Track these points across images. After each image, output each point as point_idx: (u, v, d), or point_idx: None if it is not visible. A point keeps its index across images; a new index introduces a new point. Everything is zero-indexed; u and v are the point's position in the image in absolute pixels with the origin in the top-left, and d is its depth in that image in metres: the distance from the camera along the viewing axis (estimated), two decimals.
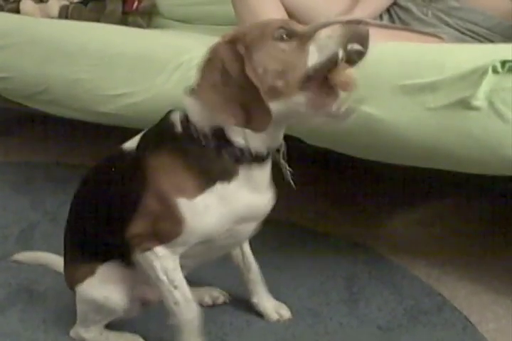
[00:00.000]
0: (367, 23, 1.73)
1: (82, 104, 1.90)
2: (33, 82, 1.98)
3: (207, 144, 1.11)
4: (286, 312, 1.43)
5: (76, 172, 2.25)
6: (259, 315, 1.43)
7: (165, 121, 1.17)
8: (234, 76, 1.04)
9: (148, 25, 2.75)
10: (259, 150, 1.12)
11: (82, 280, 1.28)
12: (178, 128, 1.14)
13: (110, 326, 1.36)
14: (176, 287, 1.19)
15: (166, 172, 1.13)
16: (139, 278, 1.30)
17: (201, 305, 1.46)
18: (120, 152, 1.23)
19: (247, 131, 1.08)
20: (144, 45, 1.86)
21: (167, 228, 1.13)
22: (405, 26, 1.83)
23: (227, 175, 1.12)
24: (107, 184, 1.24)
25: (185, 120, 1.13)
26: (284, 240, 1.65)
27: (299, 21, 1.86)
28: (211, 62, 1.08)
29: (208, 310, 1.45)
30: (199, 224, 1.12)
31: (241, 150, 1.11)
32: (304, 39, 1.05)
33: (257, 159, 1.13)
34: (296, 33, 1.06)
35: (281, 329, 1.39)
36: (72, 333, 1.37)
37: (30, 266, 1.66)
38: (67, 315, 1.38)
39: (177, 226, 1.12)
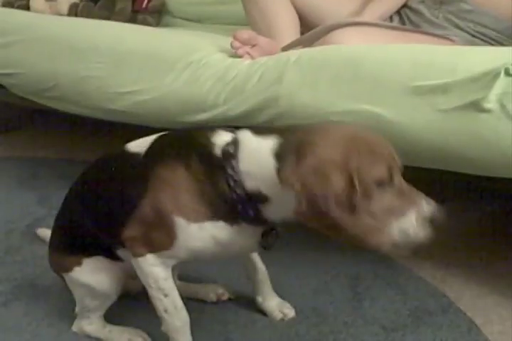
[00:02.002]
0: (376, 25, 1.76)
1: (91, 101, 1.91)
2: (42, 78, 1.99)
3: (234, 186, 1.07)
4: (290, 311, 1.43)
5: (81, 168, 2.25)
6: (264, 313, 1.43)
7: (202, 137, 1.13)
8: (346, 203, 0.98)
9: (158, 24, 2.76)
10: (276, 221, 1.11)
11: (70, 269, 1.30)
12: (218, 153, 1.09)
13: (113, 321, 1.37)
14: (166, 295, 1.19)
15: (174, 187, 1.10)
16: (125, 272, 1.32)
17: (206, 301, 1.47)
18: (125, 152, 1.22)
19: (283, 210, 1.05)
20: (154, 44, 1.86)
21: (159, 239, 1.13)
22: (416, 28, 1.83)
23: (232, 220, 1.10)
24: (107, 182, 1.23)
25: (232, 153, 1.08)
26: (289, 239, 1.64)
27: (310, 22, 1.90)
28: (322, 187, 0.98)
29: (212, 307, 1.46)
30: (188, 246, 1.12)
31: (259, 219, 1.09)
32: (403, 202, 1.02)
33: (267, 225, 1.13)
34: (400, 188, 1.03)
35: (285, 327, 1.39)
36: (74, 327, 1.38)
37: (35, 260, 1.66)
38: (71, 310, 1.37)
39: (168, 239, 1.11)
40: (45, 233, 1.70)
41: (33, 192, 2.13)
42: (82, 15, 2.62)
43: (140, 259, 1.16)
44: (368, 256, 1.65)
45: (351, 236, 1.01)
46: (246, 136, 1.10)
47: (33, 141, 2.65)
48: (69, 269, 1.30)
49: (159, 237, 1.13)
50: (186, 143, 1.14)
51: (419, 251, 1.62)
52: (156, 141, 1.19)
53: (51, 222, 1.87)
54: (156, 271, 1.17)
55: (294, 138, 1.05)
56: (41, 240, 1.71)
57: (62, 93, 1.97)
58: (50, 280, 1.55)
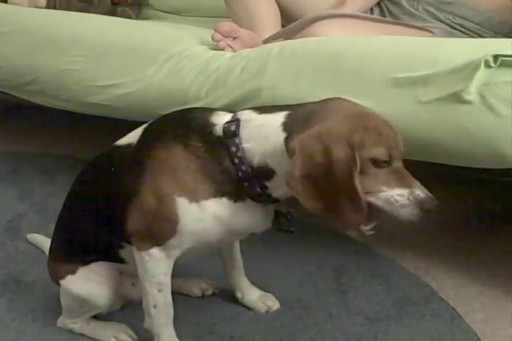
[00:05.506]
0: (357, 17, 1.76)
1: (71, 95, 1.89)
2: (22, 72, 1.97)
3: (239, 164, 1.07)
4: (273, 303, 1.43)
5: (63, 163, 2.26)
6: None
7: (199, 119, 1.12)
8: (339, 177, 0.99)
9: (138, 17, 2.74)
10: (280, 197, 1.11)
11: (63, 276, 1.29)
12: (218, 132, 1.09)
13: (96, 315, 1.36)
14: (160, 290, 1.19)
15: (172, 166, 1.09)
16: (125, 279, 1.32)
17: (190, 296, 1.47)
18: (116, 146, 1.21)
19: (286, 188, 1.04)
20: (135, 36, 1.86)
21: (162, 227, 1.11)
22: (396, 20, 1.84)
23: (236, 196, 1.10)
24: (104, 178, 1.21)
25: (234, 131, 1.08)
26: (273, 231, 1.66)
27: (291, 15, 1.90)
28: (322, 154, 0.99)
29: (197, 300, 1.46)
30: (192, 229, 1.10)
31: (263, 193, 1.10)
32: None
33: (270, 201, 1.13)
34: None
35: (270, 319, 1.39)
36: (59, 323, 1.37)
37: (18, 256, 1.65)
38: (55, 305, 1.37)
39: (171, 226, 1.10)
40: (36, 238, 1.69)
41: (15, 187, 2.10)
42: (60, 8, 2.60)
43: (144, 253, 1.15)
44: (351, 247, 1.67)
45: (330, 209, 1.02)
46: (248, 114, 1.10)
47: (15, 136, 2.62)
48: (62, 277, 1.29)
49: (162, 226, 1.11)
50: (183, 125, 1.13)
51: (402, 241, 1.66)
52: (147, 128, 1.18)
53: (33, 217, 1.88)
54: (158, 265, 1.16)
55: (304, 110, 1.07)
56: (30, 243, 1.71)
57: (42, 87, 1.95)
58: (33, 276, 1.55)
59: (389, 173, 1.03)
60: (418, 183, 1.05)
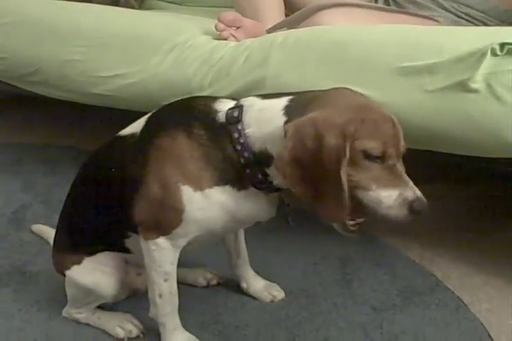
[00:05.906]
0: (362, 6, 1.75)
1: (75, 86, 1.89)
2: (24, 63, 1.96)
3: (241, 151, 1.07)
4: (278, 293, 1.43)
5: (66, 153, 2.26)
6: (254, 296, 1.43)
7: (202, 106, 1.13)
8: (327, 166, 0.99)
9: (141, 7, 2.72)
10: (281, 186, 1.10)
11: (69, 267, 1.29)
12: (221, 118, 1.10)
13: (102, 305, 1.36)
14: (166, 280, 1.19)
15: (176, 155, 1.09)
16: (130, 268, 1.32)
17: (195, 286, 1.47)
18: (119, 136, 1.21)
19: None
20: (138, 26, 1.84)
21: (167, 216, 1.11)
22: (401, 9, 1.82)
23: (238, 184, 1.10)
24: (108, 168, 1.21)
25: (237, 117, 1.08)
26: (278, 221, 1.67)
27: (294, 4, 1.88)
28: (313, 140, 0.99)
29: (202, 291, 1.46)
30: (197, 217, 1.11)
31: (265, 180, 1.09)
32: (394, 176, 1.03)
33: (272, 189, 1.12)
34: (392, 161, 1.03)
35: (275, 309, 1.39)
36: (64, 313, 1.38)
37: (22, 247, 1.66)
38: (60, 295, 1.37)
39: (177, 215, 1.10)
40: (40, 229, 1.69)
41: (18, 178, 2.11)
42: None
43: (151, 243, 1.15)
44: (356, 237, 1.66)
45: (315, 197, 1.01)
46: (251, 100, 1.10)
47: (18, 127, 2.62)
48: (67, 267, 1.29)
49: (168, 214, 1.11)
50: (185, 112, 1.13)
51: (407, 231, 1.66)
52: (151, 117, 1.19)
53: (37, 208, 1.88)
54: (165, 255, 1.16)
55: (308, 96, 1.06)
56: (35, 234, 1.71)
57: (45, 77, 1.94)
58: (38, 267, 1.55)
59: (381, 170, 1.02)
60: (410, 183, 1.03)
